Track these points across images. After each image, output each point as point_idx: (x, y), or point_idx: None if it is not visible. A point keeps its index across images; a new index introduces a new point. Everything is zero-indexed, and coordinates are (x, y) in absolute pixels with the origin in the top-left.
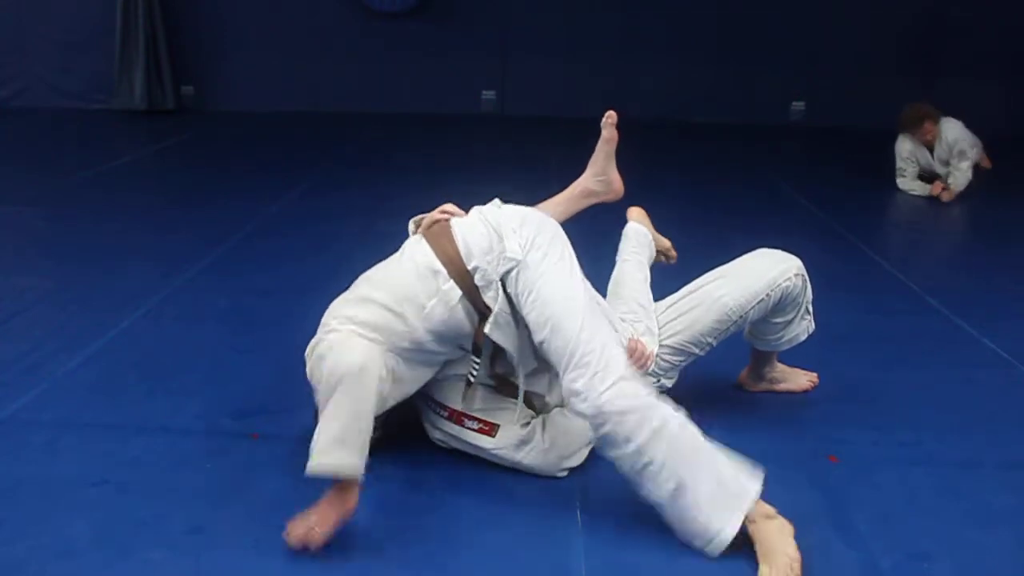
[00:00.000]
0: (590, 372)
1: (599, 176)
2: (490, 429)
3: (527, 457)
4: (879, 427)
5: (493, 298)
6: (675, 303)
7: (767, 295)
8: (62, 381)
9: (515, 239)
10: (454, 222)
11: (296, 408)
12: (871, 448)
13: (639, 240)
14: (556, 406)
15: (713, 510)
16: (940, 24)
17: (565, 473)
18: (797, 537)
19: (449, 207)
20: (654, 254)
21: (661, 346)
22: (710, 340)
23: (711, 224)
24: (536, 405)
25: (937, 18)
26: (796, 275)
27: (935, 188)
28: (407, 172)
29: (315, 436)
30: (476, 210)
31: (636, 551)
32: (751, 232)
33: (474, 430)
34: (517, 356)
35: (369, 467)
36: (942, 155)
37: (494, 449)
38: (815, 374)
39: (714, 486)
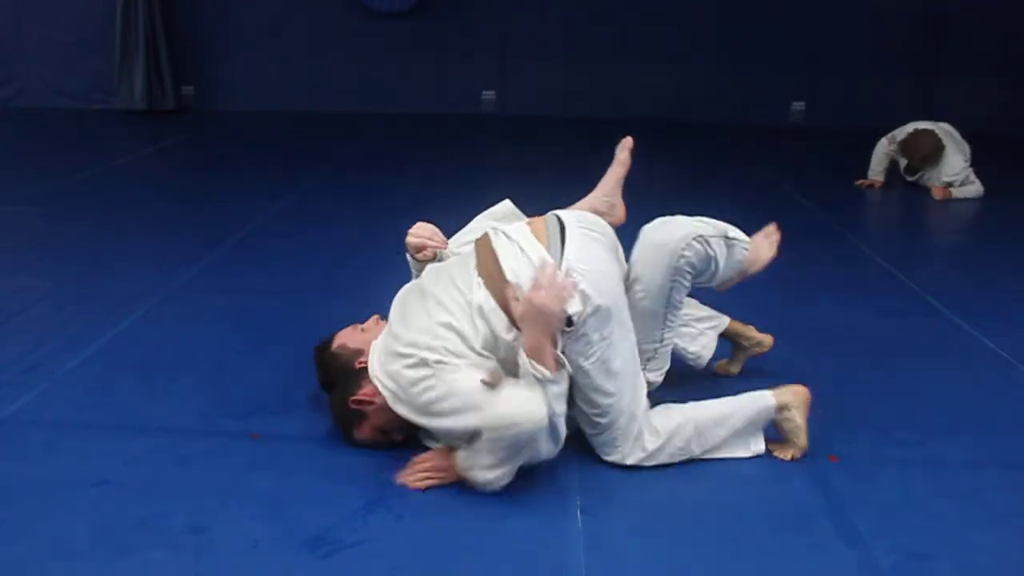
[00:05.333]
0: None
1: (606, 197)
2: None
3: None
4: (879, 427)
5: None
6: None
7: (674, 280)
8: (62, 381)
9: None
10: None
11: (296, 408)
12: (871, 448)
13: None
14: None
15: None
16: (940, 24)
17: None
18: (797, 536)
19: (424, 232)
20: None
21: None
22: (661, 331)
23: None
24: None
25: (937, 18)
26: (687, 245)
27: (937, 192)
28: (407, 173)
29: (474, 456)
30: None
31: (636, 551)
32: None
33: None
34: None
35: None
36: (932, 177)
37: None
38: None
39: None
